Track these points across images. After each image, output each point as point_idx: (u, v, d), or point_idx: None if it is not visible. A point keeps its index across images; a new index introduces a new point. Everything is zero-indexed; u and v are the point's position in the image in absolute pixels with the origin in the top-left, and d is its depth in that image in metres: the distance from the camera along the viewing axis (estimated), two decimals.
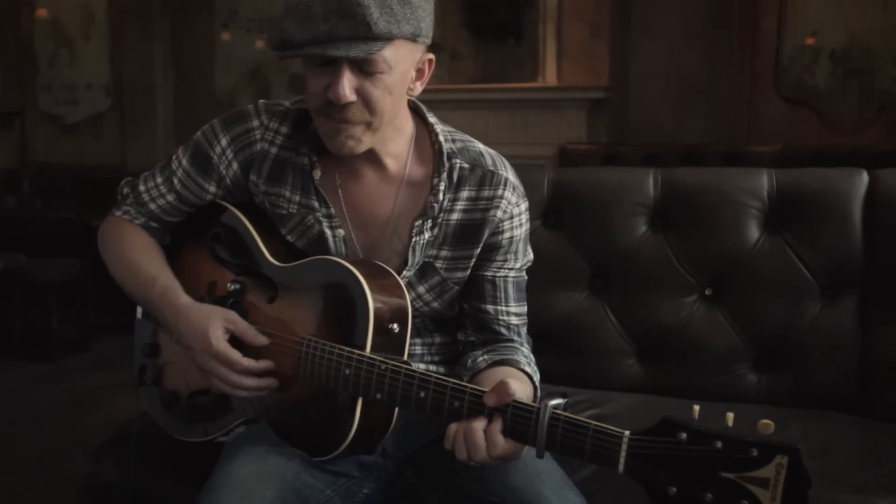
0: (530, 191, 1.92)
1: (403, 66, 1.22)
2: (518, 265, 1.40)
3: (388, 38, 1.15)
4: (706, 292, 1.88)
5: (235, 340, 1.29)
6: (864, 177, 1.81)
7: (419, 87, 1.29)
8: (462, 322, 1.42)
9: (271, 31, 1.18)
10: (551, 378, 1.86)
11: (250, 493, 1.19)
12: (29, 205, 5.91)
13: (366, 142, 1.25)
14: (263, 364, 1.27)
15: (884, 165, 1.88)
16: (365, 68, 1.17)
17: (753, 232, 1.84)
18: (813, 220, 1.80)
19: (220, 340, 1.26)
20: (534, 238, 1.90)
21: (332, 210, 1.34)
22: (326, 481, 1.28)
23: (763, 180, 1.85)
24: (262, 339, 1.28)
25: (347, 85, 1.17)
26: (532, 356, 1.38)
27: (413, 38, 1.19)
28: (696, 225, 1.87)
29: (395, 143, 1.32)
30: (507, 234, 1.36)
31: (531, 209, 1.89)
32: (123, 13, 6.35)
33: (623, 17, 5.41)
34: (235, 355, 1.26)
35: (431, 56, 1.28)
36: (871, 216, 1.78)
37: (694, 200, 1.88)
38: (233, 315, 1.30)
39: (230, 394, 1.30)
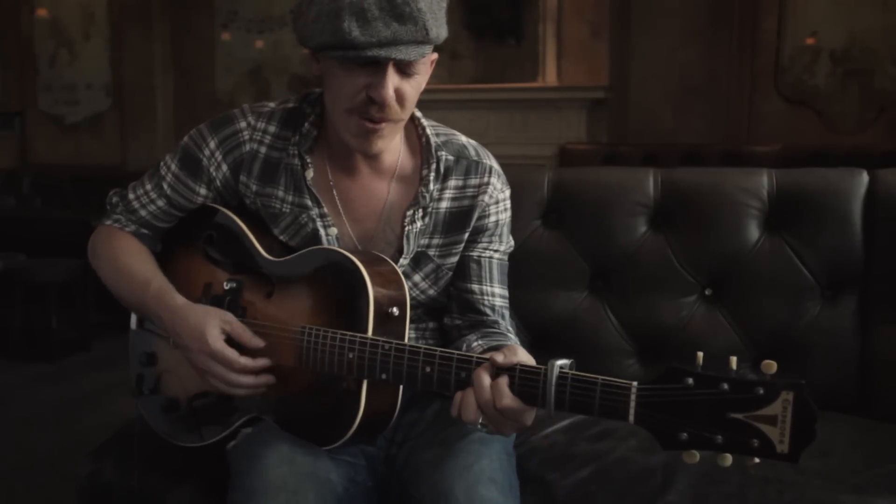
0: (530, 191, 1.94)
1: (428, 67, 1.28)
2: (502, 248, 1.46)
3: (435, 43, 1.21)
4: (706, 292, 1.88)
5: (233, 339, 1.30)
6: (864, 177, 1.81)
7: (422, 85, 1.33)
8: (448, 306, 1.45)
9: (321, 29, 1.17)
10: None
11: (295, 496, 1.19)
12: (29, 205, 5.90)
13: (390, 140, 1.30)
14: (261, 362, 1.29)
15: (884, 165, 1.88)
16: (406, 70, 1.22)
17: (753, 232, 1.84)
18: (813, 220, 1.80)
19: (217, 340, 1.28)
20: (534, 238, 1.91)
21: (325, 209, 1.36)
22: (349, 479, 1.29)
23: (763, 180, 1.85)
24: (257, 342, 1.30)
25: (391, 85, 1.20)
26: (518, 342, 1.39)
27: (440, 42, 1.25)
28: (696, 225, 1.87)
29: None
30: (492, 218, 1.42)
31: (531, 209, 1.91)
32: (123, 13, 6.36)
33: (623, 17, 5.41)
34: (233, 354, 1.27)
35: (436, 55, 1.32)
36: (871, 216, 1.78)
37: (694, 200, 1.88)
38: (229, 316, 1.31)
39: (228, 392, 1.31)
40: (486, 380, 1.11)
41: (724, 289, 1.86)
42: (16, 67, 6.67)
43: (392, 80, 1.20)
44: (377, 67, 1.19)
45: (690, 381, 0.97)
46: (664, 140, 5.14)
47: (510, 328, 1.44)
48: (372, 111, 1.22)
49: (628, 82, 5.46)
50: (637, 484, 1.42)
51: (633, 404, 1.01)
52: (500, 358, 1.12)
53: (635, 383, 1.02)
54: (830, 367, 1.78)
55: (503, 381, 1.10)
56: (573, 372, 1.06)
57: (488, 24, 5.65)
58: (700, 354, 0.98)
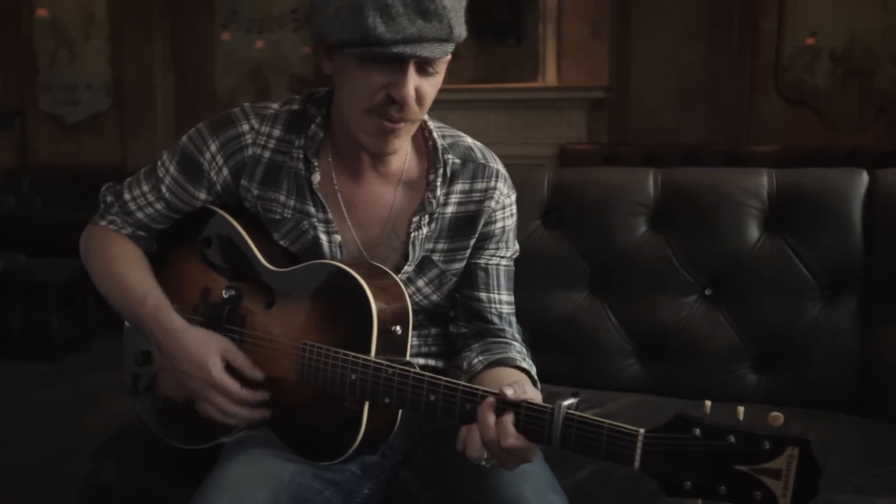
0: (530, 191, 1.93)
1: (445, 66, 1.25)
2: (508, 254, 1.43)
3: (457, 41, 1.18)
4: (706, 292, 1.88)
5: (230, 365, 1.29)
6: (864, 177, 1.81)
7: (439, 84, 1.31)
8: (454, 314, 1.43)
9: (342, 25, 1.13)
10: (551, 378, 1.86)
11: (242, 494, 1.18)
12: (29, 205, 5.91)
13: (406, 139, 1.27)
14: (260, 395, 1.28)
15: (884, 165, 1.88)
16: (427, 68, 1.19)
17: (753, 232, 1.84)
18: (813, 220, 1.80)
19: (219, 370, 1.27)
20: (534, 238, 1.91)
21: (330, 214, 1.33)
22: (326, 482, 1.28)
23: (763, 180, 1.85)
24: (257, 373, 1.29)
25: (412, 84, 1.17)
26: (525, 349, 1.39)
27: (461, 41, 1.22)
28: (696, 225, 1.87)
29: None
30: (499, 224, 1.39)
31: (531, 209, 1.90)
32: (123, 13, 6.36)
33: (623, 17, 5.42)
34: (234, 386, 1.27)
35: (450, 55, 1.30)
36: (871, 216, 1.78)
37: (694, 200, 1.88)
38: (229, 345, 1.30)
39: (221, 421, 1.30)
40: (490, 417, 1.09)
41: (724, 289, 1.86)
42: (16, 67, 6.67)
43: (412, 78, 1.16)
44: (398, 66, 1.15)
45: (698, 431, 0.97)
46: (664, 140, 5.14)
47: (517, 335, 1.41)
48: (391, 111, 1.19)
49: (628, 82, 5.46)
50: (637, 484, 1.42)
51: (639, 451, 1.01)
52: (509, 392, 1.09)
53: (642, 430, 1.01)
54: (830, 367, 1.78)
55: (508, 418, 1.08)
56: (579, 414, 1.05)
57: (488, 24, 5.64)
58: (708, 404, 0.99)
